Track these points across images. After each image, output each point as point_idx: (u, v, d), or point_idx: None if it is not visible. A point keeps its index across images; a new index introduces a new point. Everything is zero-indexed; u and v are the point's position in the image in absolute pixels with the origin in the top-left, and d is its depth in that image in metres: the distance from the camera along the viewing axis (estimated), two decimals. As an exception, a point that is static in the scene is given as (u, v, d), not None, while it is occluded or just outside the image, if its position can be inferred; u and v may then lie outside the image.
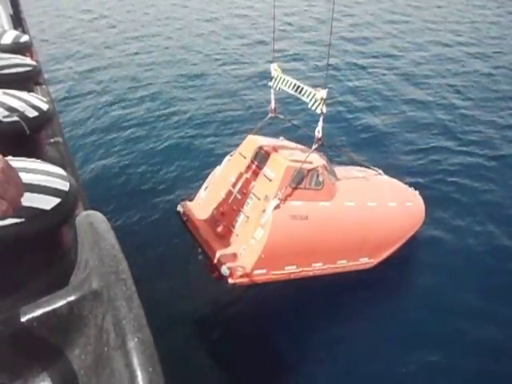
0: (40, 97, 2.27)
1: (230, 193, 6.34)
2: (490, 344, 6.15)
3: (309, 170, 6.08)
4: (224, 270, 5.51)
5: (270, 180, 5.98)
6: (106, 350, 1.08)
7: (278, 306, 6.70)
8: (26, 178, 1.26)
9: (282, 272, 6.06)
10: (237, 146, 6.79)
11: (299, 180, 5.99)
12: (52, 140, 2.59)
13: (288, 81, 6.30)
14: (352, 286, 6.74)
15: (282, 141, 7.18)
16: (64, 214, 1.53)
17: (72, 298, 1.19)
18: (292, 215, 5.87)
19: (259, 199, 5.96)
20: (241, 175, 6.36)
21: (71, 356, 1.23)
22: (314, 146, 6.26)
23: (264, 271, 5.83)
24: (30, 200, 1.40)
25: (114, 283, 1.12)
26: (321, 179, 6.20)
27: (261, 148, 6.36)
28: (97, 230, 1.29)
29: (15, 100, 2.07)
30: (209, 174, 6.93)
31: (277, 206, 5.73)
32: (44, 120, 2.14)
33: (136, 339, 0.99)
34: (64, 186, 1.58)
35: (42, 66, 3.13)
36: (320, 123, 6.11)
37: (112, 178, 9.34)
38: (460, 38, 18.06)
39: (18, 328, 1.15)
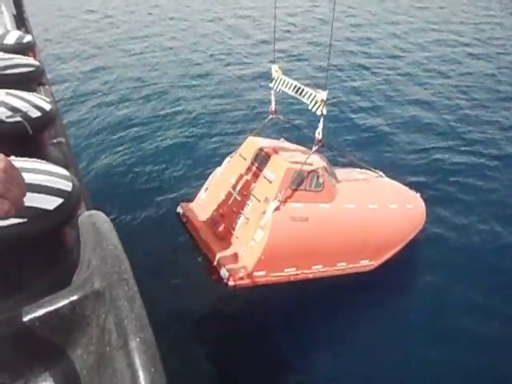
0: (43, 97, 2.28)
1: (229, 194, 6.34)
2: (494, 343, 6.14)
3: (309, 172, 6.07)
4: (223, 272, 5.51)
5: (270, 182, 5.98)
6: (108, 349, 1.09)
7: (278, 306, 6.71)
8: (28, 178, 1.27)
9: (282, 274, 6.06)
10: (240, 146, 6.79)
11: (299, 182, 5.99)
12: (55, 140, 2.59)
13: (288, 82, 6.30)
14: (353, 287, 6.72)
15: (282, 142, 7.19)
16: (67, 214, 1.54)
17: (74, 298, 1.19)
18: (292, 217, 5.87)
19: (259, 201, 5.96)
20: (241, 177, 6.36)
21: (73, 356, 1.23)
22: (314, 148, 6.27)
23: (264, 273, 5.82)
24: (32, 200, 1.40)
25: (116, 283, 1.12)
26: (321, 181, 6.20)
27: (261, 149, 6.36)
28: (99, 230, 1.29)
29: (18, 100, 2.08)
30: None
31: (277, 208, 5.72)
32: (47, 120, 2.15)
33: (138, 339, 1.00)
34: (67, 186, 1.58)
35: (45, 66, 3.13)
36: (320, 125, 6.11)
37: (114, 178, 9.35)
38: (463, 39, 18.07)
39: (20, 328, 1.16)
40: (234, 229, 6.07)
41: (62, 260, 1.61)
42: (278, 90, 6.51)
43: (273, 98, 6.74)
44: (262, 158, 6.28)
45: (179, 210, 6.48)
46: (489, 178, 9.57)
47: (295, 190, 5.95)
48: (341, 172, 7.27)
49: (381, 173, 7.89)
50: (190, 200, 6.78)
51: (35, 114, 2.07)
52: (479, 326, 6.39)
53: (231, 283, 5.52)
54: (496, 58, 16.11)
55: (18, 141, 1.98)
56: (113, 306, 1.09)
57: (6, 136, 1.92)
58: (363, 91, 13.55)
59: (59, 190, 1.54)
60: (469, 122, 11.80)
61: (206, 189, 6.67)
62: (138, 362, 0.96)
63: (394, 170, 8.21)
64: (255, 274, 5.72)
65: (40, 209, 1.45)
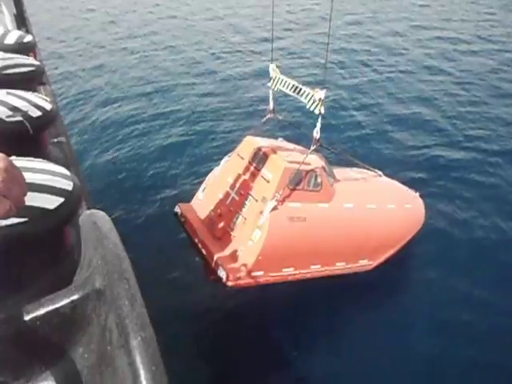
0: (43, 97, 2.28)
1: (227, 194, 6.32)
2: (497, 338, 6.14)
3: (307, 172, 6.06)
4: (221, 272, 5.50)
5: (268, 181, 5.95)
6: (109, 348, 1.09)
7: (277, 306, 6.70)
8: (29, 177, 1.28)
9: (280, 274, 6.05)
10: (238, 145, 6.79)
11: (297, 181, 5.97)
12: (55, 140, 2.59)
13: (286, 81, 6.28)
14: (352, 286, 6.71)
15: (280, 142, 7.17)
16: (67, 213, 1.54)
17: (75, 297, 1.20)
18: (290, 217, 5.85)
19: (257, 201, 5.94)
20: (239, 176, 6.33)
21: (74, 355, 1.24)
22: (312, 147, 6.26)
23: (262, 273, 5.81)
24: (33, 199, 1.41)
25: (117, 282, 1.12)
26: (319, 180, 6.19)
27: (259, 149, 6.33)
28: (100, 229, 1.29)
29: (19, 100, 2.08)
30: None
31: (274, 208, 5.70)
32: (47, 120, 2.15)
33: (139, 338, 1.00)
34: (67, 185, 1.59)
35: (45, 66, 3.14)
36: (318, 124, 6.09)
37: (114, 177, 9.33)
38: (463, 36, 18.04)
39: (21, 327, 1.16)
40: (231, 229, 6.05)
41: (63, 259, 1.62)
42: (275, 89, 6.50)
43: (271, 97, 6.71)
44: (259, 158, 6.25)
45: (177, 209, 6.46)
46: (490, 174, 9.57)
47: (293, 189, 5.93)
48: (339, 171, 7.26)
49: (380, 172, 7.88)
50: (188, 200, 6.78)
51: (36, 113, 2.07)
52: (481, 321, 6.36)
53: (229, 283, 5.50)
54: (496, 55, 16.10)
55: (18, 140, 1.98)
56: (114, 305, 1.09)
57: (7, 135, 1.92)
58: (363, 88, 13.52)
59: (60, 189, 1.55)
60: (469, 119, 11.79)
61: (204, 188, 6.65)
62: (139, 360, 0.97)
63: (395, 167, 8.18)
64: (253, 273, 5.71)
65: (41, 208, 1.45)
